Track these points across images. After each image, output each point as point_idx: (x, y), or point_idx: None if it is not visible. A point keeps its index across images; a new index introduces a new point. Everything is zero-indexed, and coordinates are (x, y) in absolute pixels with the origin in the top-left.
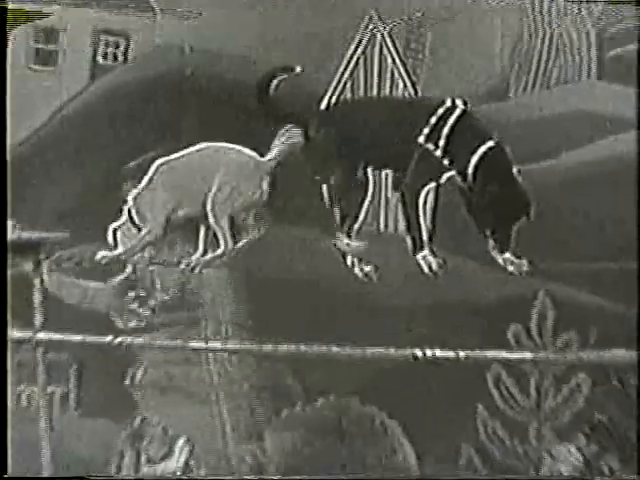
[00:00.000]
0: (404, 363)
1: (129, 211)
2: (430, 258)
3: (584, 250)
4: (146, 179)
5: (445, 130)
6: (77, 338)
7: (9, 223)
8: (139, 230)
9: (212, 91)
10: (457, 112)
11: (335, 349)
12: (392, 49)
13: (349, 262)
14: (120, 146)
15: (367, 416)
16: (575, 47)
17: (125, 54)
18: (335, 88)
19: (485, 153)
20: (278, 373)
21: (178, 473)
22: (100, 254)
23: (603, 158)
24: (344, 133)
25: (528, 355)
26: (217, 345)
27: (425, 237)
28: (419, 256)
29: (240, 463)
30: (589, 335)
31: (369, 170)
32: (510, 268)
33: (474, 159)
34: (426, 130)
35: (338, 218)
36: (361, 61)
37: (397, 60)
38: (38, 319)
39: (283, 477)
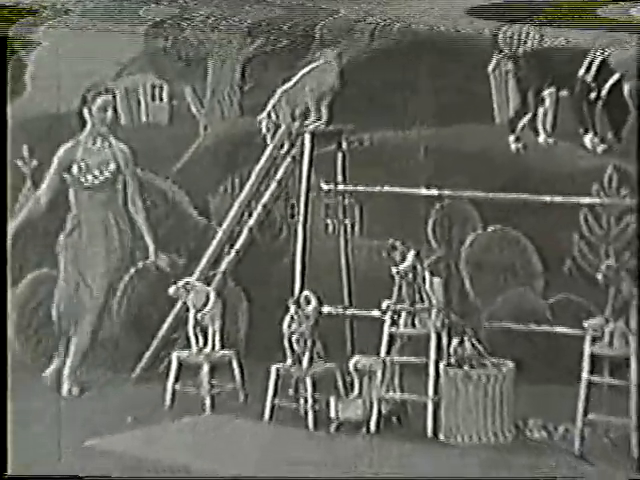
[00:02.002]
0: (537, 204)
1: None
2: (595, 139)
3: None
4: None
5: (593, 67)
6: None
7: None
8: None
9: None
10: (599, 58)
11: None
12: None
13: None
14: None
15: (514, 237)
16: None
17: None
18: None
19: (616, 81)
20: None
21: None
22: None
23: None
24: (538, 68)
25: (604, 201)
26: None
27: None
28: (587, 138)
29: None
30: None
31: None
32: (597, 149)
33: (608, 84)
34: (583, 67)
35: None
36: None
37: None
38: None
39: None
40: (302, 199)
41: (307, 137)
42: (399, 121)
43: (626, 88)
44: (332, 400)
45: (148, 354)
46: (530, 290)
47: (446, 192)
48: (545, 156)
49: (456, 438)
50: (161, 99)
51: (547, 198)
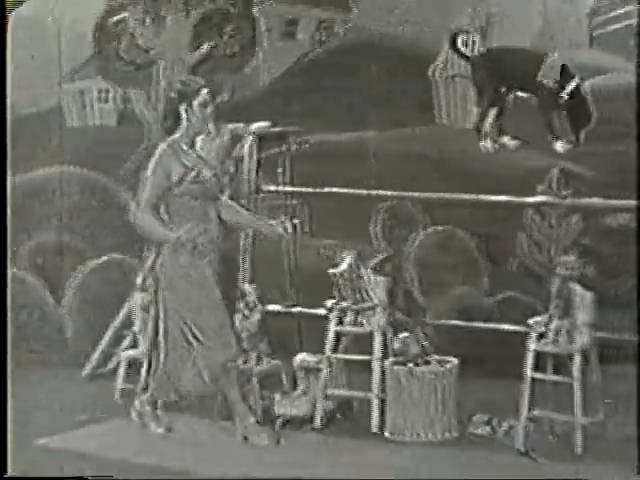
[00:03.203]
0: (483, 204)
1: None
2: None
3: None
4: None
5: (554, 70)
6: None
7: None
8: None
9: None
10: (559, 60)
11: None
12: None
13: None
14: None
15: (459, 236)
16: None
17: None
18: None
19: (576, 84)
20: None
21: None
22: None
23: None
24: (493, 69)
25: (548, 200)
26: None
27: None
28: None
29: None
30: (582, 189)
31: (510, 93)
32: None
33: (569, 88)
34: (542, 71)
35: (490, 121)
36: None
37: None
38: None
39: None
40: (248, 200)
41: (252, 139)
42: (345, 123)
43: (586, 88)
44: (277, 397)
45: (97, 352)
46: (475, 288)
47: (391, 193)
48: (492, 157)
49: (401, 435)
50: (109, 101)
51: (492, 198)
